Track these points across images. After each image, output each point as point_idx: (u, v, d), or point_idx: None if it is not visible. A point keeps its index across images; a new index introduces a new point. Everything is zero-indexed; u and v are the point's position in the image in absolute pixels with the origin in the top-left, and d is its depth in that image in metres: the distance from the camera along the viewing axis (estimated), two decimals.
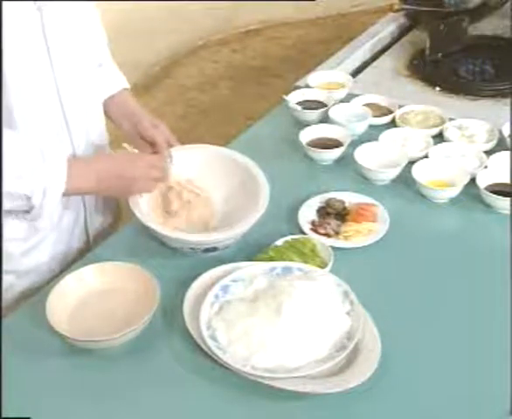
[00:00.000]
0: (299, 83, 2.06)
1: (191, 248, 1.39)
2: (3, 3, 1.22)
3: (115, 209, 1.63)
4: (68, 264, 1.46)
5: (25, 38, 1.28)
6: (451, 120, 1.80)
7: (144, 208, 1.41)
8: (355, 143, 1.70)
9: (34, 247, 1.43)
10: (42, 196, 1.27)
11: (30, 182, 1.26)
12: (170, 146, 1.52)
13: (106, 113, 1.56)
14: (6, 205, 1.27)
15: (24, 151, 1.28)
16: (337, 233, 1.46)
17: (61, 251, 1.48)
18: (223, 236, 1.37)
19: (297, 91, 1.96)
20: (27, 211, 1.30)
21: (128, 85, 1.63)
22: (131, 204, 1.39)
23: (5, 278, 1.41)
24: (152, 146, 1.51)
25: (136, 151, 1.45)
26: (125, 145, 1.44)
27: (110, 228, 1.60)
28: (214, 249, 1.39)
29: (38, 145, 1.31)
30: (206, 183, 1.50)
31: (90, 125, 1.47)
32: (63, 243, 1.48)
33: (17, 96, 1.29)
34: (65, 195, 1.31)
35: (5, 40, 1.23)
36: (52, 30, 1.32)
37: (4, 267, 1.40)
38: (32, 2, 1.28)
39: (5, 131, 1.26)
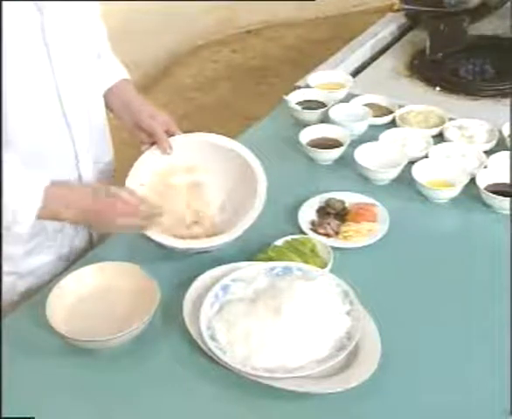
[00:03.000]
0: (299, 83, 2.06)
1: (184, 251, 1.40)
2: (4, 3, 1.22)
3: None
4: (71, 264, 1.46)
5: (25, 40, 1.28)
6: (451, 120, 1.80)
7: None
8: (355, 143, 1.70)
9: (37, 248, 1.43)
10: (12, 218, 1.24)
11: (3, 200, 1.22)
12: (170, 135, 1.52)
13: (106, 104, 1.55)
14: None
15: (6, 168, 1.24)
16: (337, 233, 1.46)
17: (64, 253, 1.49)
18: (215, 243, 1.39)
19: (297, 91, 1.95)
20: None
21: (127, 76, 1.62)
22: None
23: (7, 278, 1.42)
24: (151, 136, 1.51)
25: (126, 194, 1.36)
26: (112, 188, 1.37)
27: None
28: (206, 252, 1.40)
29: (18, 165, 1.27)
30: (205, 171, 1.51)
31: (90, 119, 1.46)
32: (66, 246, 1.49)
33: (17, 94, 1.28)
34: (39, 217, 1.26)
35: (5, 41, 1.23)
36: (52, 30, 1.32)
37: (6, 268, 1.41)
38: (33, 3, 1.28)
39: None
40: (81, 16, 1.40)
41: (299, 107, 1.89)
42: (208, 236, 1.43)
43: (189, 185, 1.51)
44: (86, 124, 1.45)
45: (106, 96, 1.55)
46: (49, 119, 1.36)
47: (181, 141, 1.52)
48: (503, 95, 1.98)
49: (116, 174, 1.60)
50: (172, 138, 1.52)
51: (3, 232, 1.32)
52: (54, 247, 1.46)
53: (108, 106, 1.56)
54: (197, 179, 1.52)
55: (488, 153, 1.65)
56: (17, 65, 1.27)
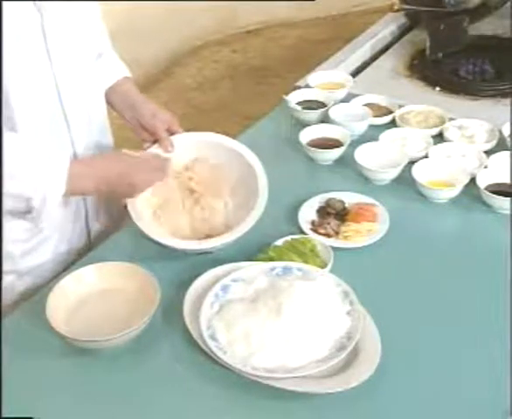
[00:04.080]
0: (299, 83, 2.06)
1: (184, 251, 1.40)
2: (4, 4, 1.22)
3: (116, 210, 1.63)
4: (69, 264, 1.46)
5: (25, 40, 1.28)
6: (451, 120, 1.80)
7: (143, 208, 1.42)
8: (355, 143, 1.70)
9: (35, 248, 1.43)
10: (42, 198, 1.27)
11: (30, 183, 1.26)
12: (172, 133, 1.52)
13: (108, 102, 1.55)
14: (7, 205, 1.27)
15: (25, 153, 1.28)
16: (337, 233, 1.46)
17: (62, 252, 1.48)
18: (216, 244, 1.39)
19: (297, 91, 1.95)
20: (28, 212, 1.30)
21: (129, 74, 1.63)
22: (128, 205, 1.40)
23: (6, 278, 1.42)
24: (152, 135, 1.51)
25: (137, 154, 1.45)
26: (125, 150, 1.44)
27: (111, 228, 1.60)
28: (207, 252, 1.40)
29: (39, 146, 1.31)
30: (206, 170, 1.51)
31: (91, 118, 1.46)
32: (64, 244, 1.49)
33: (17, 95, 1.29)
34: (65, 196, 1.31)
35: (5, 41, 1.23)
36: (52, 30, 1.32)
37: (5, 267, 1.41)
38: (32, 2, 1.28)
39: (7, 133, 1.26)
40: (81, 15, 1.40)
41: (299, 107, 1.89)
42: (208, 236, 1.42)
43: (189, 185, 1.51)
44: (86, 124, 1.45)
45: (107, 94, 1.55)
46: (48, 118, 1.36)
47: (182, 140, 1.52)
48: (503, 95, 1.98)
49: None
50: (174, 136, 1.52)
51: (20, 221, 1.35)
52: (52, 246, 1.46)
53: (110, 104, 1.57)
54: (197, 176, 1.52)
55: (488, 153, 1.65)
56: (17, 64, 1.27)
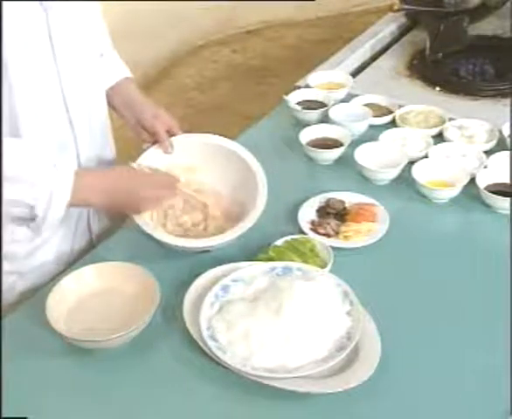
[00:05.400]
0: (299, 83, 2.06)
1: (183, 250, 1.40)
2: (9, 4, 1.22)
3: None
4: (71, 264, 1.46)
5: (31, 39, 1.28)
6: (451, 120, 1.80)
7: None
8: (355, 143, 1.70)
9: (38, 248, 1.43)
10: (46, 206, 1.26)
11: (35, 190, 1.24)
12: (172, 135, 1.52)
13: (109, 103, 1.55)
14: (12, 212, 1.27)
15: (30, 159, 1.27)
16: (337, 233, 1.46)
17: (65, 252, 1.49)
18: (216, 242, 1.39)
19: (297, 91, 1.96)
20: (31, 219, 1.29)
21: (130, 75, 1.63)
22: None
23: (8, 277, 1.42)
24: (152, 135, 1.52)
25: (147, 170, 1.45)
26: (133, 165, 1.44)
27: (114, 228, 1.60)
28: (206, 251, 1.40)
29: (46, 154, 1.30)
30: (206, 172, 1.52)
31: (93, 118, 1.46)
32: (67, 244, 1.49)
33: (21, 94, 1.28)
34: (70, 206, 1.29)
35: (11, 41, 1.23)
36: (58, 30, 1.32)
37: (8, 267, 1.41)
38: (38, 2, 1.28)
39: (12, 139, 1.26)
40: (85, 15, 1.41)
41: (299, 107, 1.89)
42: (208, 236, 1.43)
43: (189, 185, 1.51)
44: (88, 122, 1.45)
45: (108, 94, 1.55)
46: (52, 116, 1.36)
47: (182, 141, 1.52)
48: (503, 95, 1.98)
49: None
50: (174, 138, 1.52)
51: (24, 229, 1.34)
52: (55, 246, 1.46)
53: (111, 105, 1.57)
54: (198, 179, 1.52)
55: (488, 153, 1.65)
56: (22, 62, 1.27)
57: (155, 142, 1.52)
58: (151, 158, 1.50)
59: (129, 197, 1.37)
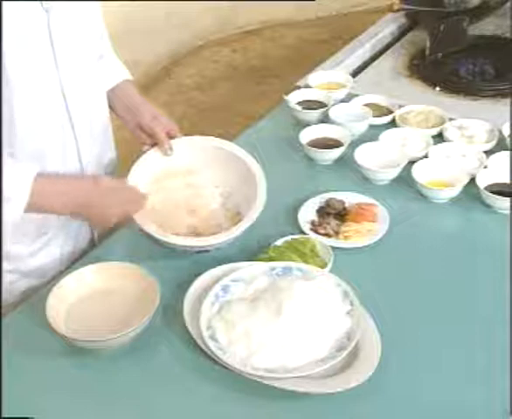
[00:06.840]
0: (299, 83, 2.06)
1: (183, 250, 1.40)
2: (12, 3, 1.22)
3: None
4: (72, 264, 1.46)
5: (32, 40, 1.28)
6: (451, 120, 1.80)
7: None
8: (355, 143, 1.70)
9: (42, 248, 1.44)
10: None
11: None
12: (171, 137, 1.52)
13: (108, 104, 1.55)
14: None
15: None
16: (337, 233, 1.46)
17: (68, 252, 1.49)
18: (215, 242, 1.39)
19: (297, 91, 1.96)
20: None
21: (129, 77, 1.63)
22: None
23: (9, 278, 1.42)
24: (151, 137, 1.51)
25: (114, 182, 1.42)
26: (103, 176, 1.43)
27: (116, 227, 1.59)
28: (206, 251, 1.40)
29: (8, 158, 1.28)
30: (205, 174, 1.52)
31: (93, 118, 1.46)
32: (69, 244, 1.49)
33: (22, 95, 1.28)
34: (28, 210, 1.27)
35: (12, 41, 1.23)
36: (58, 30, 1.32)
37: (11, 267, 1.41)
38: (39, 3, 1.28)
39: None
40: (86, 16, 1.41)
41: (299, 107, 1.89)
42: (207, 237, 1.43)
43: (188, 187, 1.51)
44: (89, 123, 1.45)
45: (108, 96, 1.55)
46: (53, 117, 1.36)
47: (181, 144, 1.52)
48: (503, 95, 1.98)
49: (118, 173, 1.60)
50: (173, 140, 1.52)
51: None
52: (58, 246, 1.46)
53: (111, 107, 1.57)
54: (197, 181, 1.52)
55: (488, 153, 1.65)
56: (23, 63, 1.27)
57: (154, 145, 1.52)
58: (150, 160, 1.50)
59: (90, 210, 1.34)
